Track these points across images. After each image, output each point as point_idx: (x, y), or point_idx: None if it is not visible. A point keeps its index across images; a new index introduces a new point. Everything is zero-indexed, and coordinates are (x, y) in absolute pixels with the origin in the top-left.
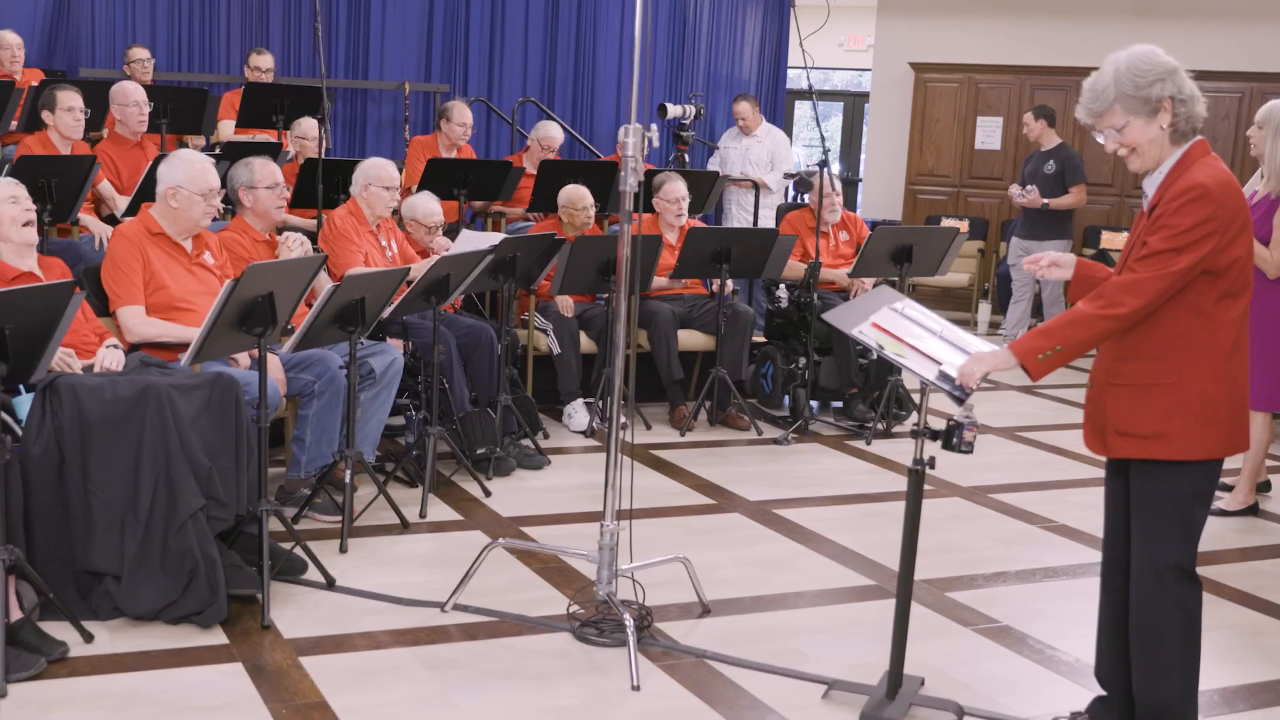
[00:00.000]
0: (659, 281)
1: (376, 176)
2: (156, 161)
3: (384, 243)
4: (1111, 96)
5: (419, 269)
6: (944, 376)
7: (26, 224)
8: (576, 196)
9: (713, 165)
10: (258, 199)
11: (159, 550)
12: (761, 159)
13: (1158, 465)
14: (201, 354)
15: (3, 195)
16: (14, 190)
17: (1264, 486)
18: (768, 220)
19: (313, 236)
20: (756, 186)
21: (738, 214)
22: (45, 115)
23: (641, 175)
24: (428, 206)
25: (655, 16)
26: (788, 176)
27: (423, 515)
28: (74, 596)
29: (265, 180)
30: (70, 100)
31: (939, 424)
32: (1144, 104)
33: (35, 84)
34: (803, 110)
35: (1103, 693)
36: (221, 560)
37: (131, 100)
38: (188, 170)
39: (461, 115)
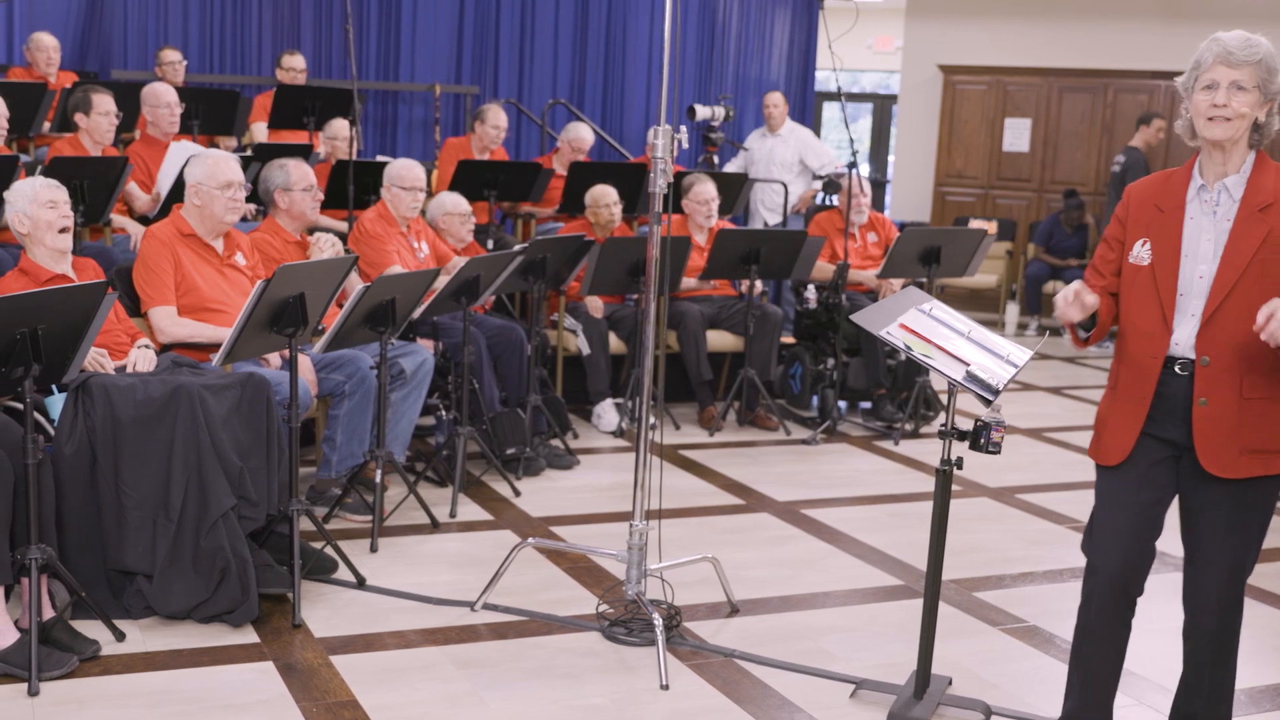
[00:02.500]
0: (688, 282)
1: (399, 178)
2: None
3: (415, 244)
4: (1259, 56)
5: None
6: (971, 377)
7: (63, 230)
8: (600, 194)
9: (736, 166)
10: (294, 201)
11: (190, 549)
12: (787, 159)
13: (1268, 481)
14: (233, 354)
15: (42, 199)
16: (54, 194)
17: None
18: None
19: (343, 238)
20: (785, 187)
21: (764, 214)
22: (78, 118)
23: (671, 177)
24: (454, 199)
25: (684, 18)
26: (817, 178)
27: (453, 515)
28: (106, 595)
29: (301, 182)
30: (105, 104)
31: (967, 425)
32: (1270, 84)
33: (68, 86)
34: (831, 112)
35: None
36: (252, 559)
37: (163, 102)
38: (204, 167)
39: (496, 118)
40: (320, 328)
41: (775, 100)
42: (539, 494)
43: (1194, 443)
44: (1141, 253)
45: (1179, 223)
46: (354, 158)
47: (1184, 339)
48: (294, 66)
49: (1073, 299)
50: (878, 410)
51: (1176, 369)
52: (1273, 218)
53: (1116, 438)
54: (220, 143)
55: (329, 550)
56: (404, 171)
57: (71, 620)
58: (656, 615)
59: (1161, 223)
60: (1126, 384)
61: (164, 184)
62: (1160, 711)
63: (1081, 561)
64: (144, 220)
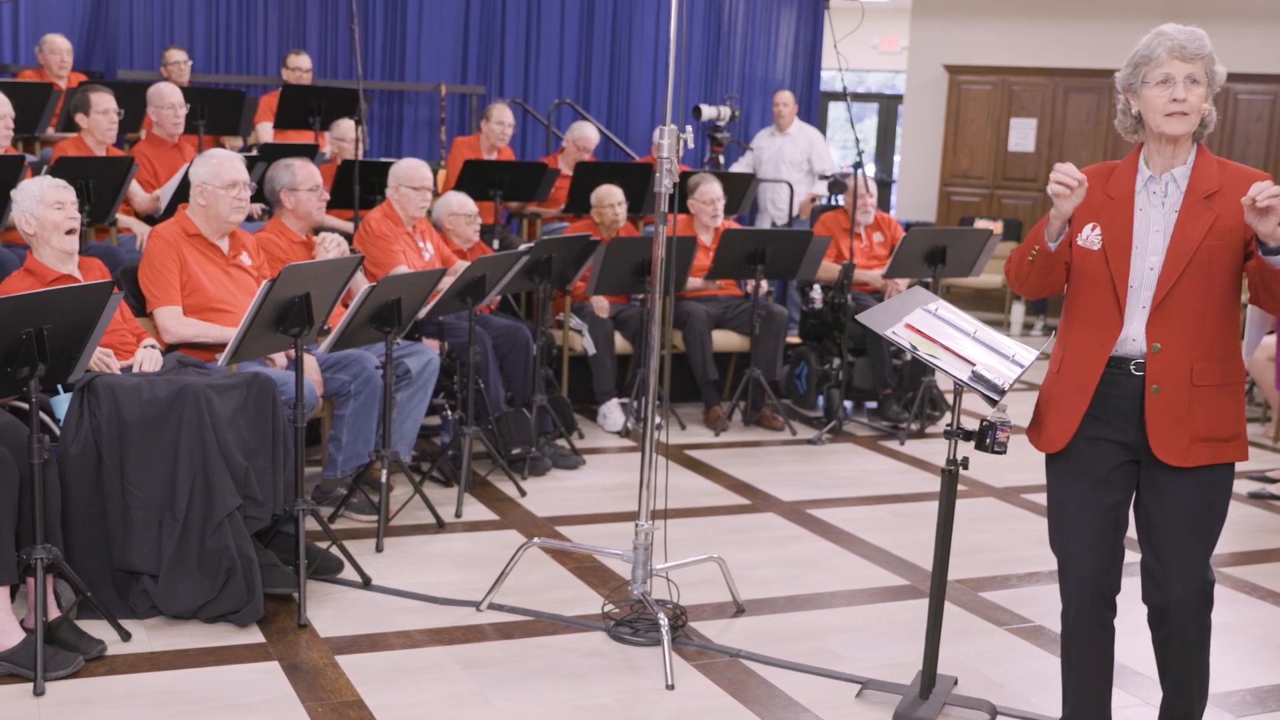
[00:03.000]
0: (694, 282)
1: (407, 178)
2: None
3: (420, 244)
4: (1207, 52)
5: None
6: (977, 377)
7: (69, 231)
8: (606, 194)
9: (744, 165)
10: (299, 201)
11: (196, 549)
12: (795, 158)
13: (1223, 470)
14: (238, 354)
15: (49, 199)
16: (61, 195)
17: None
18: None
19: (349, 238)
20: (791, 187)
21: (772, 213)
22: (79, 118)
23: (676, 177)
24: (459, 199)
25: (690, 18)
26: (823, 178)
27: (458, 515)
28: (111, 595)
29: (307, 182)
30: (104, 103)
31: (972, 424)
32: (1215, 79)
33: (72, 87)
34: (837, 112)
35: None
36: (258, 559)
37: (168, 102)
38: (209, 166)
39: (501, 115)
40: (326, 327)
41: (785, 99)
42: (544, 494)
43: (1146, 430)
44: (1091, 237)
45: (1129, 214)
46: (359, 158)
47: (1137, 334)
48: (299, 66)
49: (1069, 180)
50: (883, 410)
51: (1131, 369)
52: (1218, 204)
53: (1059, 426)
54: (226, 143)
55: (334, 550)
56: (413, 171)
57: (77, 620)
58: (662, 615)
59: (1112, 210)
60: (1070, 369)
61: (166, 193)
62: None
63: None
64: (149, 220)
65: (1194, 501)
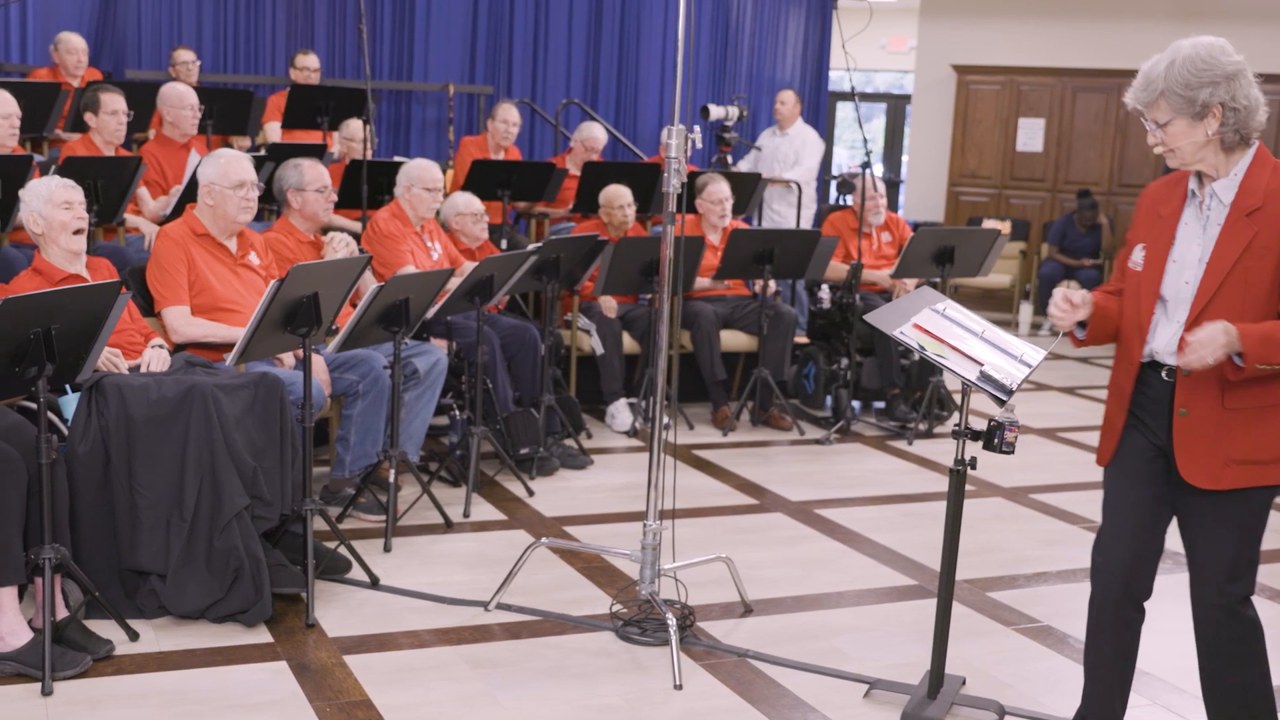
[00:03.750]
0: (702, 282)
1: (419, 178)
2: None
3: (429, 244)
4: (1159, 90)
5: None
6: (985, 377)
7: (77, 231)
8: (615, 195)
9: (747, 164)
10: (306, 201)
11: (204, 549)
12: (789, 156)
13: (1263, 491)
14: (246, 354)
15: (57, 199)
16: (69, 195)
17: None
18: (806, 222)
19: (357, 238)
20: (799, 186)
21: (779, 212)
22: (88, 117)
23: (684, 177)
24: (465, 198)
25: (698, 18)
26: (831, 177)
27: (466, 515)
28: (119, 595)
29: (314, 183)
30: (113, 103)
31: (980, 424)
32: (1189, 104)
33: (81, 87)
34: (845, 112)
35: None
36: (266, 559)
37: (187, 104)
38: (217, 166)
39: (506, 113)
40: (334, 327)
41: (784, 98)
42: (553, 494)
43: (1174, 453)
44: (1137, 258)
45: (1173, 229)
46: (368, 157)
47: (1162, 345)
48: (308, 66)
49: (1062, 303)
50: (891, 410)
51: (1164, 375)
52: (1259, 222)
53: (1106, 438)
54: (234, 142)
55: (343, 550)
56: (426, 172)
57: (85, 620)
58: (670, 615)
59: (1159, 230)
60: (1114, 384)
61: (172, 198)
62: (1174, 712)
63: None
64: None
65: (1222, 518)
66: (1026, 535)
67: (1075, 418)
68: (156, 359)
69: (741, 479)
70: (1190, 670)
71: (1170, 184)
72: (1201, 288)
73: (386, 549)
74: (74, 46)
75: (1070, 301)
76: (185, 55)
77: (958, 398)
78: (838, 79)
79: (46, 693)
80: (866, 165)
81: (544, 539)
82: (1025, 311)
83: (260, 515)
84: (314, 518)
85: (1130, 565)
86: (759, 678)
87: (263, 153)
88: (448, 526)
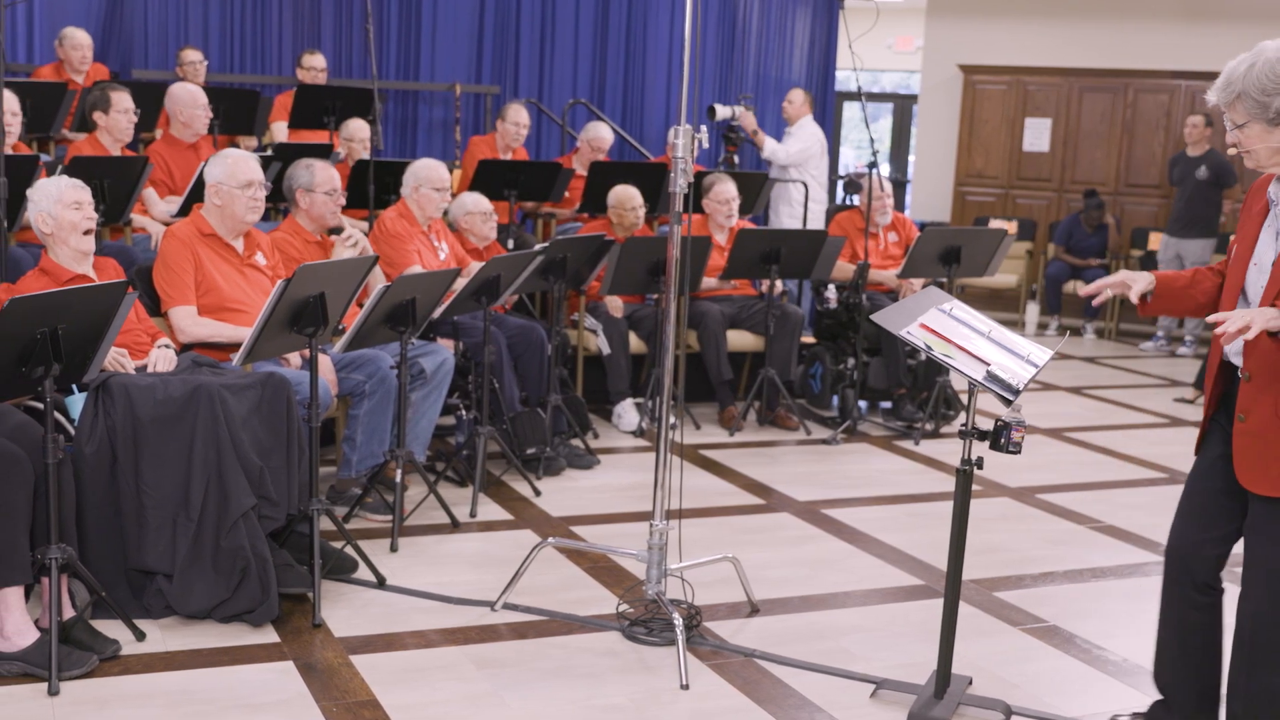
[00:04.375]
0: (708, 282)
1: (428, 178)
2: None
3: (436, 243)
4: (1236, 91)
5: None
6: (992, 377)
7: (87, 232)
8: (626, 197)
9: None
10: (314, 203)
11: (211, 549)
12: (795, 157)
13: None
14: (253, 354)
15: (67, 199)
16: (79, 195)
17: None
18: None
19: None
20: (805, 185)
21: (785, 211)
22: (97, 116)
23: (691, 177)
24: (474, 198)
25: (705, 18)
26: (838, 177)
27: (473, 515)
28: (126, 595)
29: (324, 185)
30: (123, 102)
31: (987, 424)
32: (1263, 110)
33: (87, 86)
34: (852, 112)
35: (1160, 697)
36: (273, 559)
37: (200, 104)
38: (224, 166)
39: (517, 115)
40: (341, 327)
41: (790, 97)
42: (559, 494)
43: (1232, 455)
44: (1233, 253)
45: (1257, 229)
46: (374, 157)
47: (1234, 346)
48: (314, 66)
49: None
50: (898, 410)
51: (1238, 372)
52: None
53: (1201, 430)
54: (241, 142)
55: (349, 550)
56: (434, 172)
57: (92, 620)
58: (677, 615)
59: (1248, 228)
60: (1207, 378)
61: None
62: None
63: (1101, 561)
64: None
65: (1273, 522)
66: (1033, 535)
67: (1082, 418)
68: (163, 359)
69: (748, 479)
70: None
71: (1265, 183)
72: (1265, 294)
73: (393, 549)
74: (79, 42)
75: (1126, 285)
76: (192, 55)
77: (964, 398)
78: (844, 79)
79: (53, 693)
80: (873, 165)
81: (550, 539)
82: (1032, 311)
83: (267, 515)
84: (320, 518)
85: (1186, 549)
86: (765, 677)
87: (269, 153)
88: (454, 526)
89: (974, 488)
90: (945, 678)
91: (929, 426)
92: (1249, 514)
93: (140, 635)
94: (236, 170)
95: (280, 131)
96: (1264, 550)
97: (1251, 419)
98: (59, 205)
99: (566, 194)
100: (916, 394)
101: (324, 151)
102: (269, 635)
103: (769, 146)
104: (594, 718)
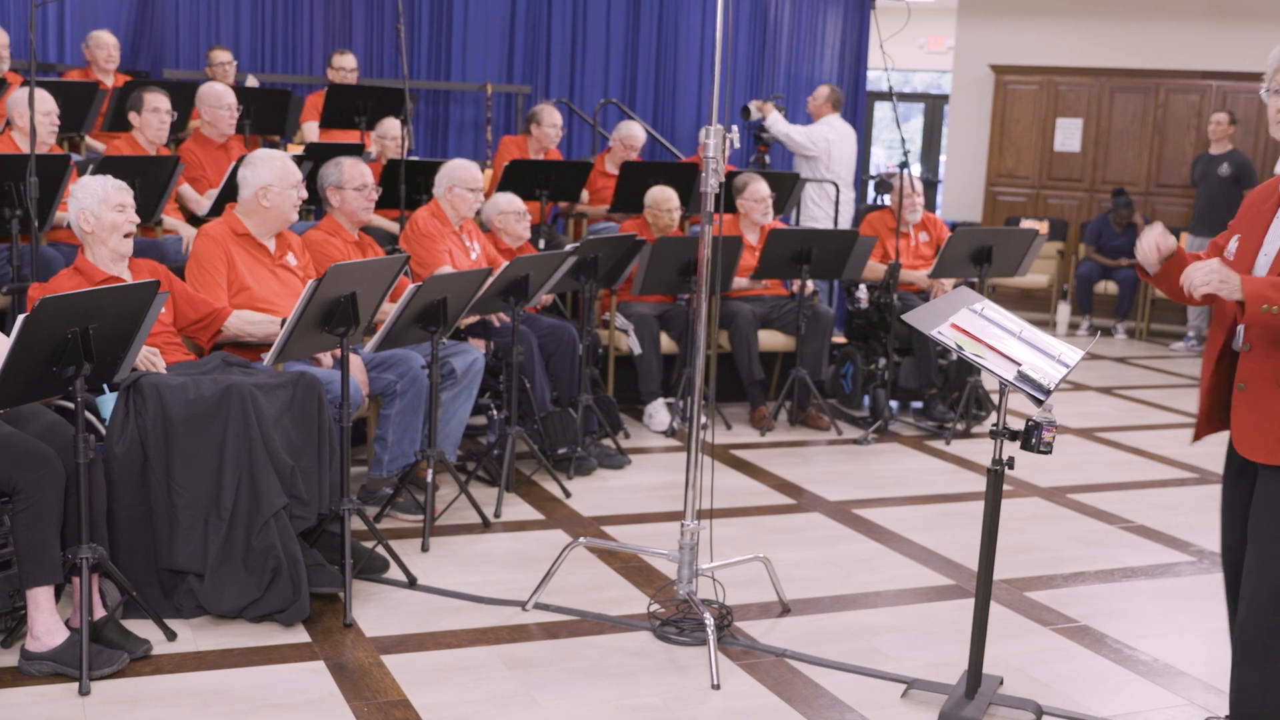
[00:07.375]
0: (739, 282)
1: (461, 179)
2: (238, 163)
3: (468, 243)
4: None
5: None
6: (1023, 377)
7: (127, 235)
8: (663, 198)
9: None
10: (345, 199)
11: (242, 549)
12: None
13: None
14: (284, 354)
15: (112, 201)
16: (124, 198)
17: None
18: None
19: (395, 238)
20: (837, 186)
21: (812, 210)
22: (132, 117)
23: (723, 176)
24: (507, 198)
25: (736, 18)
26: (869, 177)
27: (497, 515)
28: (157, 595)
29: (353, 181)
30: (157, 101)
31: (1018, 424)
32: None
33: (118, 86)
34: (883, 111)
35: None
36: (304, 559)
37: (224, 103)
38: (272, 168)
39: (552, 117)
40: (372, 327)
41: (817, 94)
42: (590, 493)
43: (1231, 426)
44: (1231, 247)
45: (1268, 222)
46: (405, 157)
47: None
48: (345, 66)
49: (1150, 247)
50: (929, 410)
51: (1236, 346)
52: None
53: (1198, 418)
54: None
55: (380, 549)
56: (467, 172)
57: (122, 619)
58: (708, 615)
59: (1255, 223)
60: (1203, 367)
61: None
62: (1209, 710)
63: (1132, 561)
64: (194, 220)
65: (1269, 497)
66: (1064, 535)
67: (1113, 418)
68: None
69: (779, 479)
70: (1225, 670)
71: (1274, 185)
72: (1272, 266)
73: (424, 549)
74: (104, 42)
75: (1159, 249)
76: (222, 56)
77: (995, 397)
78: (876, 79)
79: (84, 692)
80: (904, 165)
81: (582, 539)
82: (1063, 311)
83: (298, 515)
84: (351, 517)
85: (1231, 547)
86: (797, 677)
87: (301, 152)
88: (485, 526)
89: (1005, 488)
90: (976, 678)
91: (960, 426)
92: (1255, 489)
93: (171, 635)
94: (288, 171)
95: (311, 131)
96: (1258, 531)
97: (1251, 387)
98: (103, 206)
99: (598, 194)
100: (948, 394)
101: (355, 151)
102: (300, 635)
103: (781, 124)
104: (625, 717)
